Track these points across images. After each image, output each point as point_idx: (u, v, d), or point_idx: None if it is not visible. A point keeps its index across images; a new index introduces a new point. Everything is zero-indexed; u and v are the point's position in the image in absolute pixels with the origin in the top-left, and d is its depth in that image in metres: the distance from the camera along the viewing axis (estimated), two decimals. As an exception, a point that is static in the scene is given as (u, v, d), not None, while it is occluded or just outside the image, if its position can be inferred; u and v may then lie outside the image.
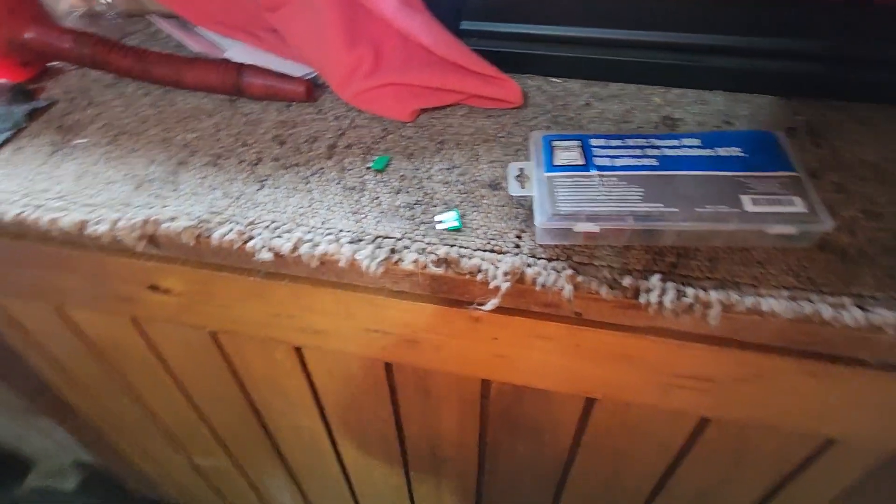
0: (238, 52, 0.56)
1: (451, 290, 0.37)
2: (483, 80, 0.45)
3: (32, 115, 0.50)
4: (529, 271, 0.35)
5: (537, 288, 0.34)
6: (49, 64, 0.57)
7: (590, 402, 0.45)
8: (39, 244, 0.45)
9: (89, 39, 0.50)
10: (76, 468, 1.20)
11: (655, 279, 0.33)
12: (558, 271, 0.34)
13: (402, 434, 0.57)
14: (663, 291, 0.32)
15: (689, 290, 0.32)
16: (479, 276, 0.35)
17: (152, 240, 0.40)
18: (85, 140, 0.48)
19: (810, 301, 0.32)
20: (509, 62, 0.48)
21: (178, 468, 0.86)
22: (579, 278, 0.34)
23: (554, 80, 0.50)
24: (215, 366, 0.55)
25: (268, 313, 0.44)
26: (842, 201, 0.38)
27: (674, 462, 0.48)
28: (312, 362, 0.51)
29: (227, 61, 0.50)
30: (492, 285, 0.35)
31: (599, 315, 0.36)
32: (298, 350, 0.50)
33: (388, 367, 0.48)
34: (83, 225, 0.40)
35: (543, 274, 0.34)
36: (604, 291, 0.34)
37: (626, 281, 0.34)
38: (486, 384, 0.47)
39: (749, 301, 0.32)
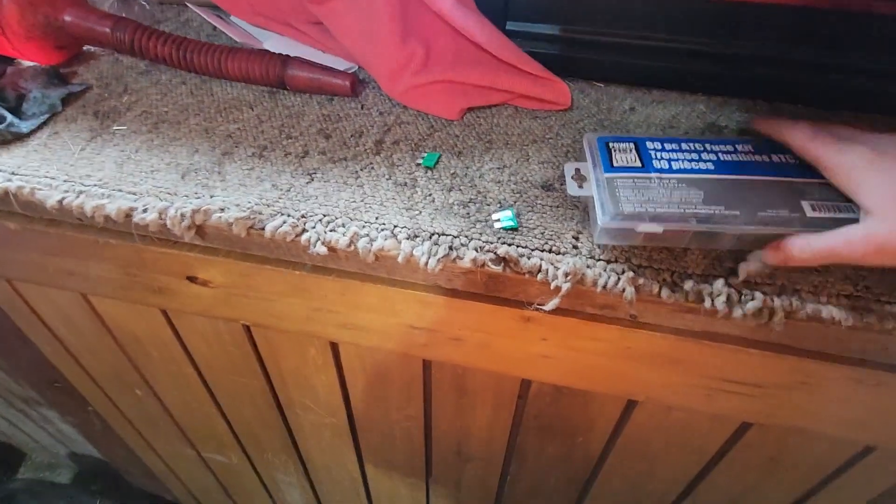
0: (276, 43, 0.56)
1: (507, 290, 0.37)
2: (533, 80, 0.45)
3: (67, 100, 0.49)
4: (590, 273, 0.35)
5: (597, 290, 0.35)
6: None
7: (631, 405, 0.45)
8: (74, 232, 0.44)
9: (129, 25, 0.50)
10: (71, 460, 1.18)
11: (720, 284, 0.33)
12: (619, 273, 0.35)
13: (428, 432, 0.57)
14: (730, 296, 0.32)
15: (758, 295, 0.32)
16: (539, 277, 0.35)
17: (199, 230, 0.40)
18: (124, 127, 0.47)
19: (870, 310, 0.32)
20: (552, 64, 0.48)
21: (185, 463, 0.85)
22: (640, 281, 0.34)
23: (596, 83, 0.51)
24: (244, 360, 0.54)
25: (309, 308, 0.44)
26: (891, 212, 0.38)
27: (707, 465, 0.49)
28: (347, 358, 0.50)
29: (271, 53, 0.49)
30: (552, 286, 0.35)
31: (655, 318, 0.36)
32: (334, 346, 0.49)
33: (426, 364, 0.48)
34: (130, 212, 0.39)
35: (604, 276, 0.35)
36: (665, 294, 0.34)
37: (688, 285, 0.34)
38: (525, 383, 0.47)
39: (810, 308, 0.33)
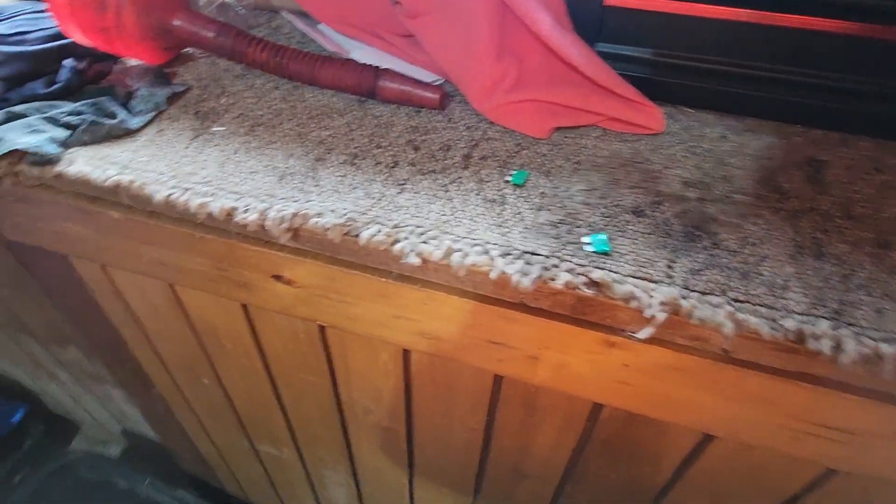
0: (363, 53, 0.57)
1: (594, 313, 0.37)
2: (626, 104, 0.45)
3: (171, 99, 0.52)
4: (685, 304, 0.34)
5: (693, 321, 0.34)
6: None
7: (707, 438, 0.44)
8: (172, 224, 0.46)
9: (231, 31, 0.52)
10: (123, 437, 1.23)
11: (825, 325, 0.32)
12: (715, 306, 0.34)
13: (487, 446, 0.57)
14: (838, 340, 0.31)
15: (867, 341, 0.31)
16: (633, 304, 0.35)
17: (295, 233, 0.41)
18: (223, 128, 0.49)
19: None
20: (641, 87, 0.48)
21: (237, 452, 0.87)
22: (739, 315, 0.34)
23: (686, 109, 0.50)
24: (314, 359, 0.55)
25: (389, 314, 0.45)
26: None
27: (779, 509, 0.47)
28: (417, 366, 0.51)
29: (363, 63, 0.50)
30: (646, 314, 0.34)
31: (750, 355, 0.35)
32: (406, 353, 0.50)
33: (497, 378, 0.48)
34: (231, 212, 0.41)
35: (700, 308, 0.34)
36: (765, 332, 0.33)
37: (789, 323, 0.33)
38: (597, 407, 0.46)
39: (921, 358, 0.31)
